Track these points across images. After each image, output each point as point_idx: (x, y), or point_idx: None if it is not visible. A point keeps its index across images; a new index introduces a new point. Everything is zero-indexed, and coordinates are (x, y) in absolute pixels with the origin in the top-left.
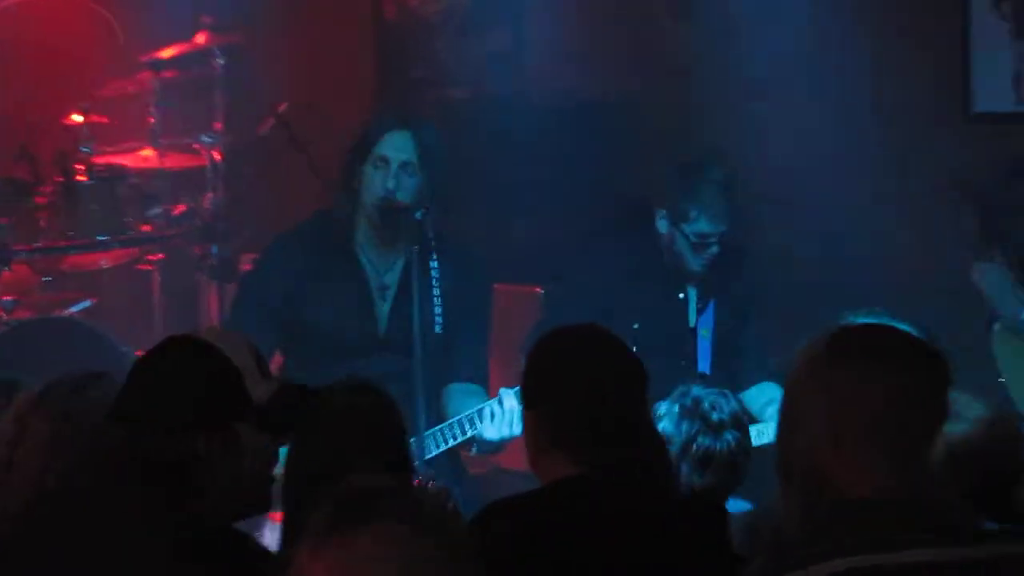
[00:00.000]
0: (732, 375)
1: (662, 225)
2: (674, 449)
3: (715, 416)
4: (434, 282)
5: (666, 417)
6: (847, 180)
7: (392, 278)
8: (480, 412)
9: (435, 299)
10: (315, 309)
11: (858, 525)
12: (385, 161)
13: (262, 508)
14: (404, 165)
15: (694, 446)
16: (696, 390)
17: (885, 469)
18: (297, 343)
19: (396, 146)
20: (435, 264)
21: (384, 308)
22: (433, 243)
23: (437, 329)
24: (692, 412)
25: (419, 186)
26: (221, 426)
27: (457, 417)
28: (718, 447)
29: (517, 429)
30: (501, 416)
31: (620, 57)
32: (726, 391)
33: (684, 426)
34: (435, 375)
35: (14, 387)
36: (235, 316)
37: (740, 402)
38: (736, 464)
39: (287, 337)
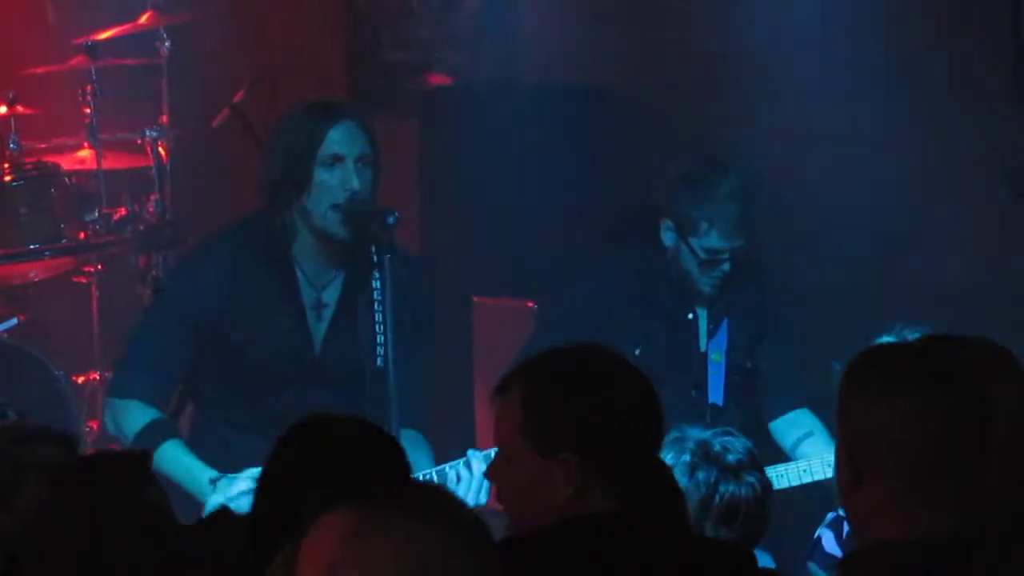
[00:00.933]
0: (753, 405)
1: (668, 237)
2: (691, 504)
3: (731, 458)
4: (376, 305)
5: (676, 469)
6: (887, 172)
7: (331, 295)
8: (442, 473)
9: (376, 325)
10: (241, 327)
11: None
12: (339, 159)
13: None
14: (360, 158)
15: (716, 497)
16: (693, 432)
17: (911, 506)
18: (220, 367)
19: (347, 140)
20: (376, 283)
21: (320, 329)
22: (376, 253)
23: (379, 362)
24: (704, 458)
25: (374, 180)
26: None
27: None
28: (743, 493)
29: (483, 498)
30: (469, 481)
31: (626, 39)
32: (729, 429)
33: (700, 476)
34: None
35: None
36: (148, 329)
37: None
38: (764, 510)
39: (208, 359)
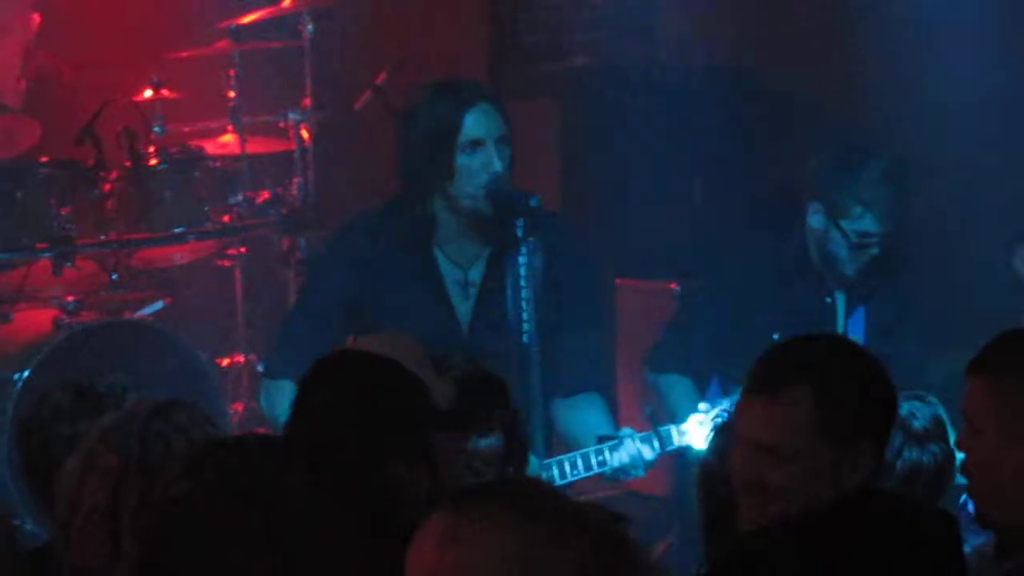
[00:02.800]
0: None
1: (816, 220)
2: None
3: (917, 425)
4: (522, 281)
5: None
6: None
7: (476, 273)
8: (613, 448)
9: (523, 302)
10: (386, 310)
11: None
12: (479, 143)
13: None
14: (499, 140)
15: (898, 463)
16: None
17: None
18: None
19: (485, 123)
20: (523, 260)
21: (466, 307)
22: (526, 232)
23: (525, 339)
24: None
25: (512, 161)
26: (420, 448)
27: (583, 451)
28: (926, 461)
29: (641, 472)
30: (635, 456)
31: (765, 24)
32: (920, 392)
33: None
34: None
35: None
36: (299, 312)
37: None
38: (943, 478)
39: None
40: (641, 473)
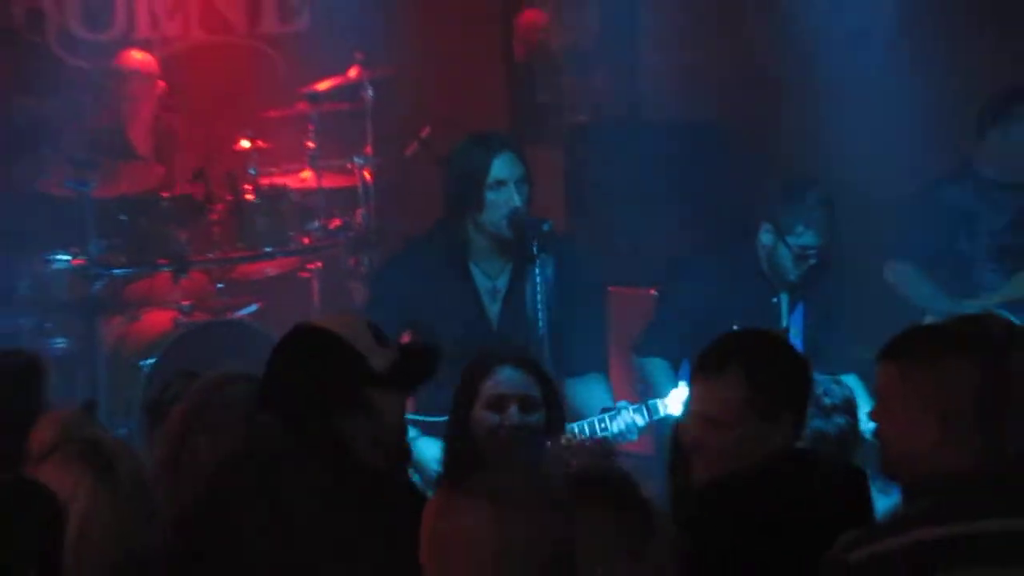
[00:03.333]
0: (821, 371)
1: (767, 237)
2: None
3: (827, 401)
4: (538, 286)
5: None
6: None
7: (503, 282)
8: (612, 417)
9: (539, 302)
10: (433, 315)
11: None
12: (502, 183)
13: (404, 455)
14: (519, 181)
15: (808, 429)
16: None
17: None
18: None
19: (507, 167)
20: (538, 271)
21: (495, 309)
22: (540, 249)
23: (541, 330)
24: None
25: (530, 194)
26: (355, 397)
27: (589, 419)
28: (828, 430)
29: (634, 435)
30: (628, 428)
31: (724, 83)
32: (840, 378)
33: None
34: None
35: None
36: (369, 309)
37: (856, 386)
38: (845, 446)
39: (413, 333)
40: (634, 438)
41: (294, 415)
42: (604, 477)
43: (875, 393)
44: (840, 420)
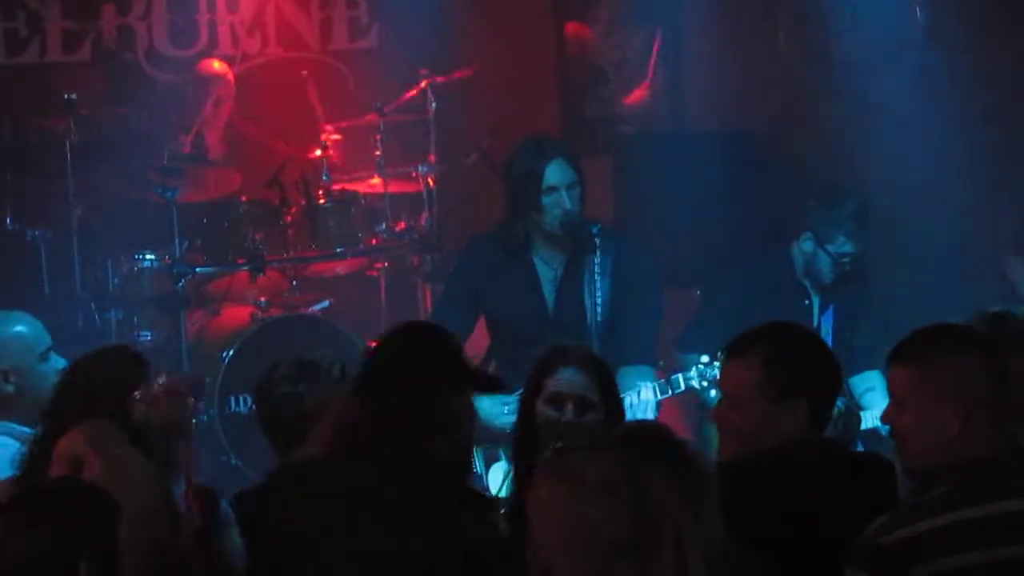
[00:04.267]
0: (847, 368)
1: (807, 245)
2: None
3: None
4: (596, 277)
5: None
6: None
7: (560, 272)
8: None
9: (597, 292)
10: (497, 297)
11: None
12: (555, 188)
13: (470, 464)
14: (569, 186)
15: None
16: None
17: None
18: (491, 326)
19: (559, 173)
20: (597, 260)
21: (552, 295)
22: (599, 246)
23: (598, 317)
24: None
25: (582, 196)
26: (459, 391)
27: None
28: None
29: (651, 414)
30: (638, 406)
31: (761, 97)
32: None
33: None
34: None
35: (334, 362)
36: (442, 305)
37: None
38: (844, 432)
39: (487, 323)
40: (651, 416)
41: (400, 404)
42: (658, 437)
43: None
44: (839, 404)
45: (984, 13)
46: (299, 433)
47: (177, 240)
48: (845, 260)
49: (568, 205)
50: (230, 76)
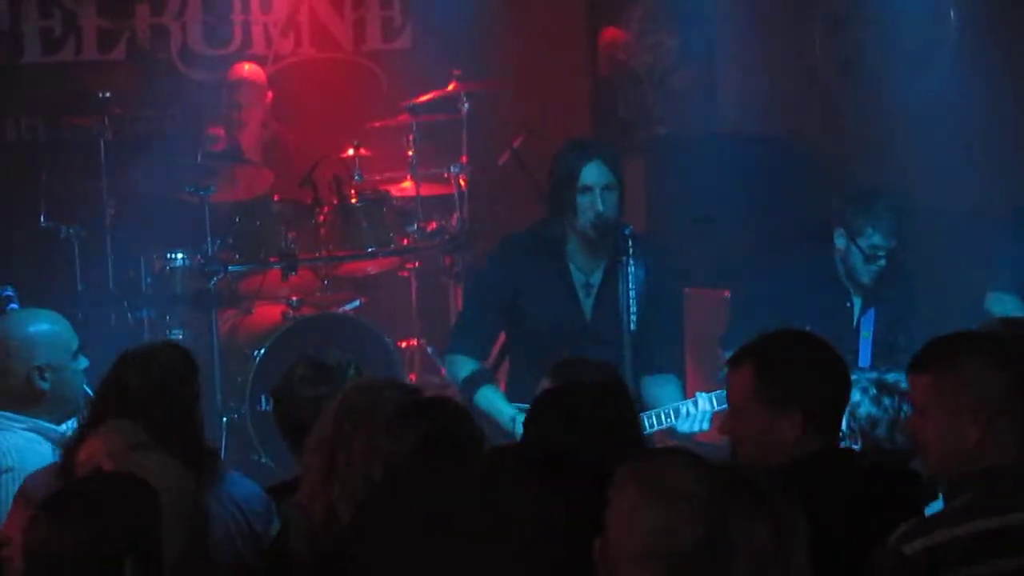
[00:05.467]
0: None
1: (840, 241)
2: (882, 428)
3: (904, 385)
4: (631, 285)
5: (862, 403)
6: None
7: (596, 278)
8: (676, 409)
9: (632, 300)
10: (532, 302)
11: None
12: (589, 189)
13: None
14: (605, 188)
15: (903, 415)
16: (863, 374)
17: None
18: (519, 329)
19: (595, 174)
20: (632, 269)
21: (589, 303)
22: (632, 251)
23: (632, 327)
24: (883, 388)
25: (618, 199)
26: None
27: (657, 410)
28: (876, 413)
29: (706, 426)
30: (695, 415)
31: (793, 99)
32: (890, 366)
33: (886, 402)
34: (631, 364)
35: (348, 365)
36: (469, 306)
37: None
38: (894, 427)
39: (511, 324)
40: (706, 427)
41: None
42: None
43: (911, 403)
44: (887, 400)
45: (1018, 13)
46: None
47: (209, 239)
48: (879, 254)
49: (601, 207)
50: (261, 79)
